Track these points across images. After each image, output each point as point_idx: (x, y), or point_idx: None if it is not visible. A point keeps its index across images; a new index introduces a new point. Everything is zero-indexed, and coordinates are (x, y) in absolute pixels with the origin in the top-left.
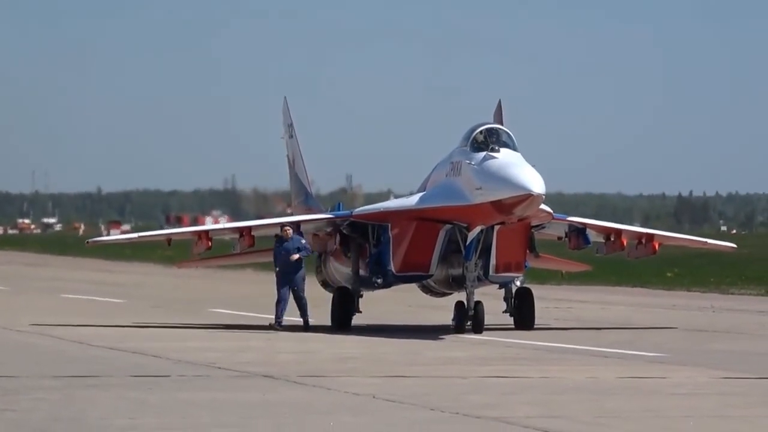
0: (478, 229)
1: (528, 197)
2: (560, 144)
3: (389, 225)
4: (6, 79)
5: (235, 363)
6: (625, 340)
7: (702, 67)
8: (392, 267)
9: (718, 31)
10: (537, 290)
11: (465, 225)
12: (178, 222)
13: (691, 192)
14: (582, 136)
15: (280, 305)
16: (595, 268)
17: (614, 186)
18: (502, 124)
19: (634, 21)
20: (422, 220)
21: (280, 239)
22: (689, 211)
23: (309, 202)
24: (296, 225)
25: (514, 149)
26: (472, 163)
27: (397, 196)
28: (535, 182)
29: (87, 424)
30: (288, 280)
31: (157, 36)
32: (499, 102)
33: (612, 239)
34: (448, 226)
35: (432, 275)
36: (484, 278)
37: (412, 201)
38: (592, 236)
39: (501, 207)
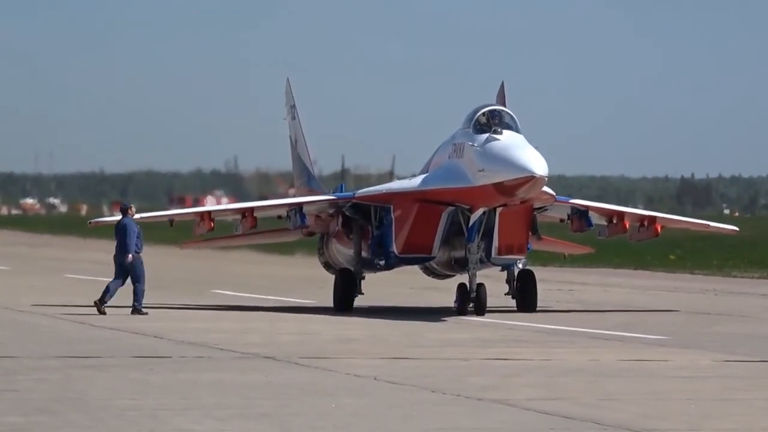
0: (480, 211)
1: (531, 179)
2: (563, 126)
3: (392, 207)
4: (8, 60)
5: (237, 344)
6: (627, 322)
7: (705, 48)
8: (394, 249)
9: (721, 14)
10: (539, 272)
11: (467, 207)
12: (181, 203)
13: (693, 174)
14: (585, 119)
15: (117, 285)
16: (597, 250)
17: (617, 168)
18: (504, 106)
19: (635, 3)
20: (425, 201)
21: (130, 219)
22: (692, 194)
23: (311, 184)
24: (299, 206)
25: (517, 131)
26: (475, 144)
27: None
28: (537, 164)
29: (88, 404)
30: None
31: (159, 18)
32: (502, 84)
33: (614, 222)
34: (451, 208)
35: (434, 257)
36: (486, 260)
37: (414, 183)
38: (595, 219)
39: (503, 189)
